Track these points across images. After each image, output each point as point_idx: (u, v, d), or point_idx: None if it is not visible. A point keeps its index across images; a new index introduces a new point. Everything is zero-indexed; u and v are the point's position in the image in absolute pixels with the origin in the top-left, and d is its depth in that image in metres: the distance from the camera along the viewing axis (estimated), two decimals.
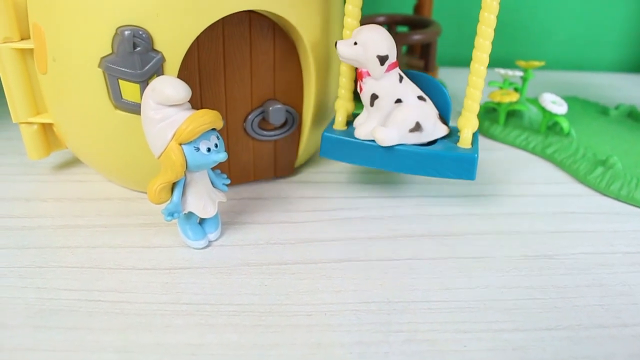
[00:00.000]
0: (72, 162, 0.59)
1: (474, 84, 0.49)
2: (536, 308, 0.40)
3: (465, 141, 0.49)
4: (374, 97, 0.48)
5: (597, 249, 0.47)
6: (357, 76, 0.49)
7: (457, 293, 0.41)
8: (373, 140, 0.49)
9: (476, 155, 0.48)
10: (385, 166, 0.50)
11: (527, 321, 0.39)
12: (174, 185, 0.42)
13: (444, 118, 0.51)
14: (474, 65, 0.48)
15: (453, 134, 0.52)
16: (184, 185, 0.43)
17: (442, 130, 0.50)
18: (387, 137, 0.48)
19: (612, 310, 0.40)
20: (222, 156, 0.41)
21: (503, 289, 0.42)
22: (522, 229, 0.49)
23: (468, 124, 0.49)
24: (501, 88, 0.69)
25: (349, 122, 0.53)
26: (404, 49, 0.78)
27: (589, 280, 0.43)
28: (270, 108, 0.50)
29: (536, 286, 0.42)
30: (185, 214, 0.43)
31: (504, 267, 0.44)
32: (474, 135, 0.50)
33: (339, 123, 0.53)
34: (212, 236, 0.46)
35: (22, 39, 0.50)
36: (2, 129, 0.67)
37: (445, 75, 0.89)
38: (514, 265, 0.45)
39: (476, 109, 0.49)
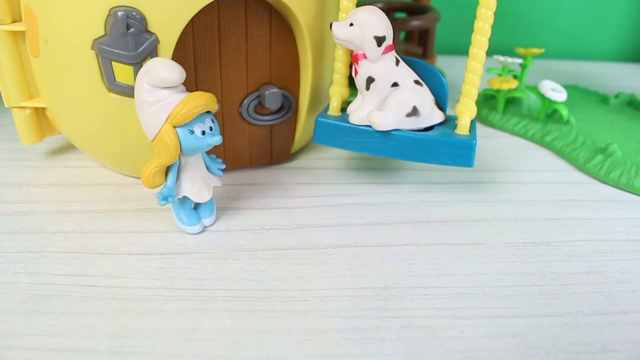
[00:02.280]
0: (66, 149, 0.58)
1: (473, 69, 0.48)
2: (535, 294, 0.40)
3: (463, 128, 0.49)
4: (370, 80, 0.47)
5: (596, 236, 0.47)
6: (352, 59, 0.48)
7: (454, 279, 0.41)
8: (368, 126, 0.48)
9: (474, 141, 0.47)
10: (380, 152, 0.49)
11: (526, 307, 0.38)
12: (168, 169, 0.42)
13: (440, 105, 0.50)
14: (472, 49, 0.47)
15: (450, 122, 0.51)
16: (178, 169, 0.42)
17: (439, 117, 0.50)
18: (384, 121, 0.47)
19: (611, 298, 0.40)
20: (216, 139, 0.40)
21: (501, 275, 0.41)
22: (520, 216, 0.49)
23: (466, 110, 0.49)
24: (500, 75, 0.68)
25: (344, 109, 0.52)
26: (402, 35, 0.77)
27: (588, 268, 0.43)
28: (267, 92, 0.49)
29: (535, 273, 0.42)
30: (179, 198, 0.43)
31: (502, 253, 0.44)
32: (472, 123, 0.50)
33: (334, 109, 0.51)
34: (206, 221, 0.45)
35: (13, 22, 0.49)
36: None
37: (443, 63, 0.89)
38: (512, 252, 0.44)
39: (474, 94, 0.49)
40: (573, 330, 0.36)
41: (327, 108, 0.52)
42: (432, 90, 0.50)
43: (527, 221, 0.48)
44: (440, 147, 0.48)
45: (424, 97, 0.48)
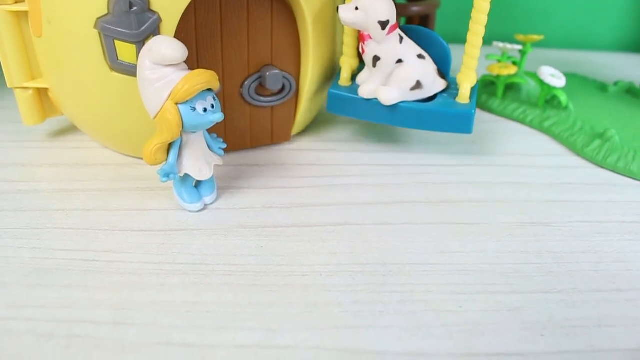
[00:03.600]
0: (68, 130, 0.59)
1: (472, 43, 0.51)
2: (531, 272, 0.40)
3: (463, 96, 0.52)
4: (376, 58, 0.50)
5: (593, 218, 0.47)
6: (360, 38, 0.51)
7: (452, 257, 0.41)
8: (376, 99, 0.52)
9: (473, 111, 0.51)
10: (388, 121, 0.53)
11: (523, 284, 0.39)
12: (169, 147, 0.42)
13: (442, 72, 0.53)
14: (472, 24, 0.50)
15: (452, 87, 0.54)
16: (180, 147, 0.42)
17: (441, 85, 0.53)
18: (390, 96, 0.51)
19: (607, 276, 0.40)
20: (218, 116, 0.41)
21: (498, 253, 0.42)
22: (518, 197, 0.49)
23: (466, 79, 0.52)
24: (499, 61, 0.69)
25: (354, 78, 0.56)
26: (402, 20, 0.77)
27: (585, 247, 0.43)
28: (267, 73, 0.50)
29: (532, 251, 0.42)
30: (180, 176, 0.43)
31: (499, 232, 0.44)
32: (472, 90, 0.53)
33: (344, 79, 0.55)
34: (207, 199, 0.46)
35: (16, 2, 0.49)
36: None
37: None
38: (509, 232, 0.45)
39: (474, 65, 0.52)
40: (569, 307, 0.37)
41: (338, 78, 0.55)
42: (435, 57, 0.53)
43: (525, 203, 0.49)
44: (442, 118, 0.51)
45: (427, 70, 0.51)
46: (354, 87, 0.54)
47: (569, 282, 0.39)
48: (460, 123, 0.51)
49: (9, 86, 0.52)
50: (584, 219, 0.47)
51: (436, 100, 0.52)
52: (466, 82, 0.52)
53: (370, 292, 0.37)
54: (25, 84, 0.52)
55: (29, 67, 0.52)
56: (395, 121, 0.52)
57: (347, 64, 0.55)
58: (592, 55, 0.98)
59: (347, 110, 0.54)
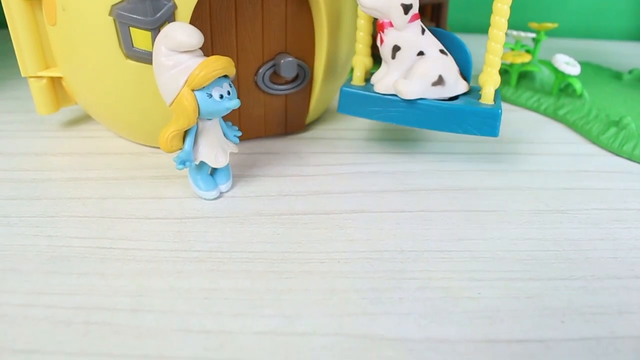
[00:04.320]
0: (81, 119, 0.59)
1: (495, 38, 0.47)
2: (549, 259, 0.40)
3: (487, 97, 0.48)
4: (396, 48, 0.47)
5: (610, 206, 0.47)
6: (378, 28, 0.48)
7: (470, 243, 0.41)
8: (393, 95, 0.48)
9: (500, 110, 0.47)
10: (405, 121, 0.49)
11: (541, 271, 0.39)
12: (185, 134, 0.42)
13: (464, 75, 0.50)
14: (494, 18, 0.47)
15: (474, 92, 0.51)
16: (196, 134, 0.42)
17: (463, 87, 0.50)
18: (410, 89, 0.47)
19: (626, 263, 0.40)
20: (234, 103, 0.41)
21: (516, 240, 0.42)
22: (534, 185, 0.49)
23: (490, 80, 0.49)
24: (513, 49, 0.68)
25: (367, 79, 0.52)
26: None
27: (602, 234, 0.43)
28: (282, 61, 0.49)
29: (549, 238, 0.42)
30: (196, 164, 0.43)
31: (516, 220, 0.44)
32: (496, 92, 0.50)
33: (358, 78, 0.52)
34: (223, 187, 0.46)
35: None
36: (11, 89, 0.67)
37: None
38: (526, 219, 0.44)
39: (498, 63, 0.48)
40: (588, 293, 0.37)
41: (350, 77, 0.52)
42: (455, 60, 0.50)
43: (541, 190, 0.48)
44: (466, 117, 0.48)
45: (449, 66, 0.48)
46: (368, 86, 0.51)
47: (588, 269, 0.39)
48: (486, 123, 0.47)
49: (22, 75, 0.52)
50: (601, 206, 0.47)
51: (458, 99, 0.49)
52: (489, 84, 0.49)
53: (388, 279, 0.37)
54: (39, 73, 0.52)
55: (42, 56, 0.52)
56: (414, 121, 0.49)
57: (360, 62, 0.52)
58: (605, 44, 0.97)
59: (361, 109, 0.50)
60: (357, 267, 0.38)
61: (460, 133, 0.48)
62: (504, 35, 0.48)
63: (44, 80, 0.53)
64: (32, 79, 0.53)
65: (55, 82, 0.54)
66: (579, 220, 0.44)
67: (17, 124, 0.58)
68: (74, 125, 0.58)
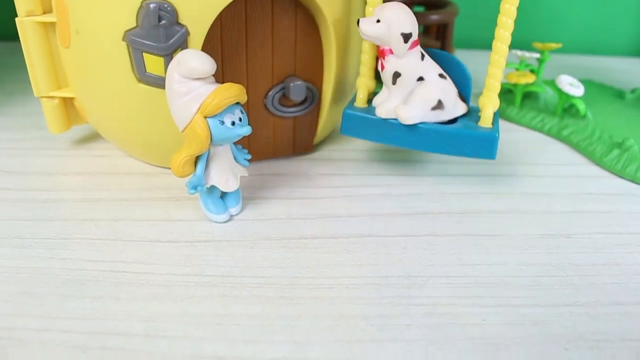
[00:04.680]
0: (91, 137, 0.59)
1: (496, 63, 0.48)
2: (554, 285, 0.41)
3: (486, 120, 0.49)
4: (396, 75, 0.49)
5: (613, 229, 0.47)
6: (379, 54, 0.49)
7: (475, 269, 0.42)
8: (395, 119, 0.49)
9: (497, 134, 0.49)
10: (406, 144, 0.50)
11: (546, 297, 0.39)
12: (197, 159, 0.43)
13: (463, 96, 0.51)
14: (496, 43, 0.48)
15: (472, 113, 0.52)
16: (207, 159, 0.43)
17: (462, 109, 0.51)
18: (410, 115, 0.48)
19: (629, 289, 0.40)
20: (246, 130, 0.41)
21: (521, 265, 0.42)
22: (538, 208, 0.50)
23: (489, 102, 0.50)
24: (517, 69, 0.69)
25: (369, 100, 0.53)
26: (421, 28, 0.78)
27: (606, 259, 0.44)
28: (291, 84, 0.50)
29: (553, 264, 0.43)
30: (207, 187, 0.44)
31: (521, 244, 0.45)
32: (495, 115, 0.50)
33: (360, 100, 0.53)
34: (233, 210, 0.46)
35: (44, 12, 0.50)
36: (21, 105, 0.67)
37: (460, 57, 0.89)
38: (531, 244, 0.45)
39: (497, 87, 0.49)
40: (592, 320, 0.37)
41: (353, 99, 0.53)
42: (455, 81, 0.51)
43: (546, 214, 0.49)
44: (464, 140, 0.49)
45: (448, 90, 0.49)
46: (370, 108, 0.52)
47: (592, 294, 0.40)
48: (484, 147, 0.49)
49: (35, 95, 0.53)
50: (604, 230, 0.47)
51: (457, 123, 0.50)
52: (489, 106, 0.50)
53: (396, 305, 0.38)
54: (52, 93, 0.53)
55: (55, 76, 0.53)
56: (414, 144, 0.50)
57: (363, 85, 0.53)
58: (608, 60, 0.98)
59: (363, 132, 0.51)
60: (365, 292, 0.39)
61: (458, 156, 0.50)
62: (505, 60, 0.49)
63: (56, 100, 0.54)
64: (44, 99, 0.53)
65: (67, 102, 0.55)
66: (582, 244, 0.45)
67: (29, 141, 0.58)
68: (84, 143, 0.58)
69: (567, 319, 0.37)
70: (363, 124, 0.51)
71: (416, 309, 0.38)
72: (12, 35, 0.83)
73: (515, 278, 0.41)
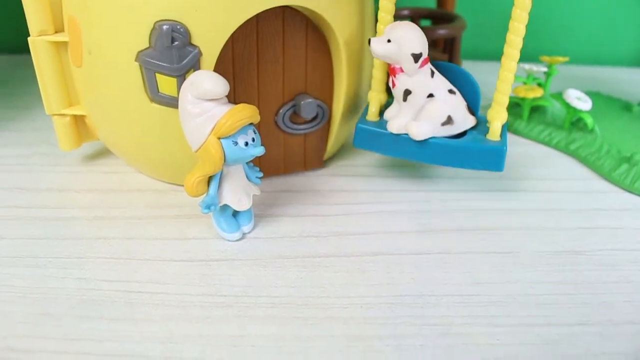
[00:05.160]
0: (101, 153, 0.60)
1: (504, 79, 0.50)
2: (567, 303, 0.41)
3: (494, 133, 0.51)
4: (407, 92, 0.50)
5: (624, 246, 0.47)
6: (390, 72, 0.50)
7: (488, 287, 0.42)
8: (406, 134, 0.50)
9: (505, 147, 0.50)
10: (417, 158, 0.52)
11: (559, 316, 0.39)
12: (210, 179, 0.43)
13: (471, 109, 0.53)
14: (504, 60, 0.49)
15: (481, 124, 0.53)
16: (220, 178, 0.43)
17: (471, 121, 0.52)
18: (421, 132, 0.49)
19: None
20: (259, 150, 0.42)
21: (533, 283, 0.43)
22: (548, 224, 0.50)
23: (497, 116, 0.51)
24: (525, 83, 0.69)
25: (381, 112, 0.55)
26: None
27: (617, 277, 0.44)
28: (302, 102, 0.51)
29: (566, 282, 0.43)
30: (220, 206, 0.44)
31: (533, 262, 0.45)
32: (503, 127, 0.51)
33: (372, 114, 0.54)
34: (245, 228, 0.47)
35: (56, 32, 0.51)
36: (31, 119, 0.68)
37: (466, 68, 0.89)
38: (543, 261, 0.45)
39: (506, 102, 0.51)
40: (605, 339, 0.37)
41: (365, 112, 0.54)
42: (464, 93, 0.52)
43: (556, 230, 0.49)
44: (473, 154, 0.50)
45: (457, 105, 0.51)
46: (382, 122, 0.53)
47: (604, 313, 0.40)
48: (492, 160, 0.50)
49: (47, 113, 0.53)
50: (615, 246, 0.47)
51: (466, 136, 0.52)
52: (497, 120, 0.51)
53: (410, 325, 0.38)
54: (63, 111, 0.53)
55: (67, 94, 0.53)
56: (424, 157, 0.51)
57: (375, 98, 0.54)
58: (615, 70, 0.98)
59: (375, 145, 0.53)
60: (379, 312, 0.39)
61: (468, 168, 0.51)
62: (513, 75, 0.50)
63: (68, 118, 0.54)
64: (56, 117, 0.54)
65: (78, 119, 0.55)
66: (593, 262, 0.45)
67: (39, 157, 0.59)
68: (94, 159, 0.59)
69: (580, 338, 0.37)
70: (375, 138, 0.52)
71: (430, 329, 0.38)
72: (20, 48, 0.83)
73: (528, 296, 0.41)
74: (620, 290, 0.42)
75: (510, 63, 0.49)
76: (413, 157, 0.52)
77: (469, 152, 0.50)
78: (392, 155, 0.53)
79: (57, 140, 0.55)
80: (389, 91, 0.54)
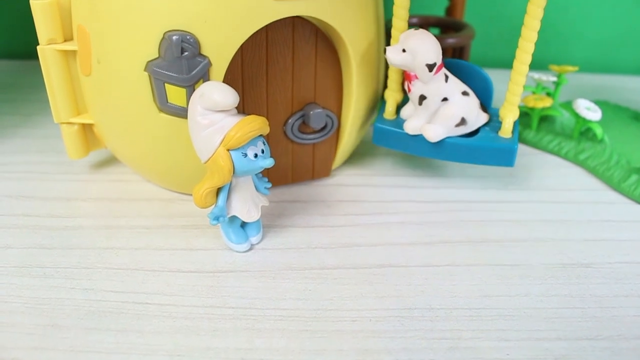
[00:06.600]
0: (109, 162, 0.60)
1: (516, 81, 0.52)
2: (576, 317, 0.40)
3: (506, 131, 0.54)
4: (422, 97, 0.51)
5: (633, 259, 0.47)
6: (405, 77, 0.52)
7: (497, 300, 0.42)
8: (421, 134, 0.53)
9: (516, 145, 0.53)
10: (433, 155, 0.54)
11: (568, 330, 0.39)
12: (219, 190, 0.43)
13: (484, 105, 0.55)
14: (516, 62, 0.51)
15: (494, 119, 0.56)
16: (229, 189, 0.43)
17: (484, 119, 0.55)
18: (435, 134, 0.52)
19: None
20: (268, 162, 0.42)
21: (542, 297, 0.42)
22: (557, 236, 0.50)
23: (509, 114, 0.54)
24: (534, 93, 0.69)
25: (398, 109, 0.57)
26: None
27: (627, 290, 0.43)
28: (311, 112, 0.50)
29: (574, 295, 0.43)
30: (229, 217, 0.44)
31: (541, 275, 0.45)
32: (514, 124, 0.54)
33: (389, 113, 0.56)
34: (254, 239, 0.46)
35: (65, 41, 0.51)
36: (39, 126, 0.67)
37: None
38: (551, 274, 0.45)
39: (517, 101, 0.53)
40: (614, 355, 0.37)
41: (382, 110, 0.57)
42: (477, 89, 0.55)
43: (564, 242, 0.49)
44: (486, 152, 0.53)
45: (471, 107, 0.53)
46: (398, 120, 0.56)
47: (614, 328, 0.40)
48: (503, 157, 0.53)
49: (55, 121, 0.53)
50: (625, 259, 0.47)
51: (479, 134, 0.54)
52: (509, 117, 0.53)
53: (419, 339, 0.38)
54: (72, 120, 0.53)
55: (75, 103, 0.53)
56: (440, 155, 0.54)
57: (391, 97, 0.56)
58: (623, 79, 0.97)
59: (393, 143, 0.55)
60: (388, 326, 0.39)
61: (481, 164, 0.54)
62: (524, 78, 0.52)
63: (76, 127, 0.54)
64: (64, 125, 0.54)
65: (86, 127, 0.55)
66: (603, 275, 0.45)
67: (47, 165, 0.59)
68: (102, 167, 0.58)
69: (589, 353, 0.37)
70: (393, 137, 0.55)
71: (440, 343, 0.38)
72: (27, 54, 0.83)
73: (536, 310, 0.41)
74: (631, 304, 0.42)
75: (522, 67, 0.52)
76: (429, 155, 0.54)
77: (483, 151, 0.53)
78: (410, 153, 0.55)
79: (65, 149, 0.55)
80: (404, 89, 0.55)
